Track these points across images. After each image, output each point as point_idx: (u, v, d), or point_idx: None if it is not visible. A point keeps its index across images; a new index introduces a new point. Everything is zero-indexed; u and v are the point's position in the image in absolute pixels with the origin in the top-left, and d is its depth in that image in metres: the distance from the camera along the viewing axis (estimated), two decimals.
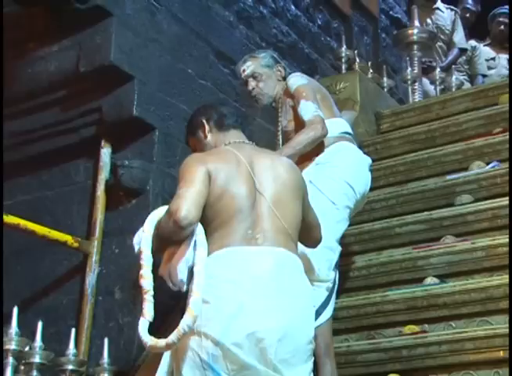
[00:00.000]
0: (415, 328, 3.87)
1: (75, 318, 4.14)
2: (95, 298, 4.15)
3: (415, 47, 6.88)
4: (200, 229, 2.72)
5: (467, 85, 7.43)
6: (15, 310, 3.46)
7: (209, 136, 3.11)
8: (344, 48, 6.26)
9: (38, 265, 4.40)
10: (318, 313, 3.51)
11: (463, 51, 7.89)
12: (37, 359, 3.45)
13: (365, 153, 5.57)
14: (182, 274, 2.65)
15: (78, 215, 4.42)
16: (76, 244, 4.13)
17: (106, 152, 4.40)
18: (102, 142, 4.41)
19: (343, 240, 4.67)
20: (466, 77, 7.89)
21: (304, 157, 3.78)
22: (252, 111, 5.06)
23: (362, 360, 3.83)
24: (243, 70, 4.07)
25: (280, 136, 4.10)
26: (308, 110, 3.79)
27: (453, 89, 6.72)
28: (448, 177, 4.85)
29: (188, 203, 2.65)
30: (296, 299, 2.68)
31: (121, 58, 4.31)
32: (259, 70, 4.05)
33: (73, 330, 3.71)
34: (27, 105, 4.62)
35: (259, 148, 3.06)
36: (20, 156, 4.63)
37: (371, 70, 6.35)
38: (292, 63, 5.87)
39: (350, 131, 4.04)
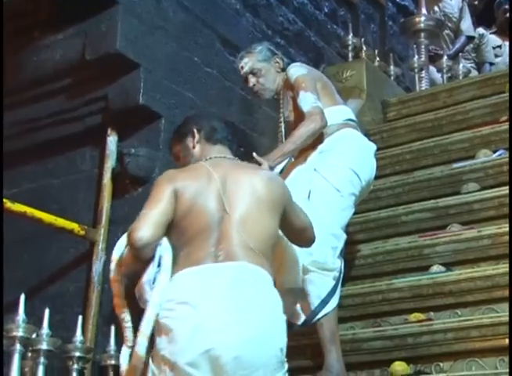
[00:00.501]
0: (420, 316, 3.87)
1: (82, 305, 4.16)
2: (102, 285, 4.16)
3: (422, 35, 6.88)
4: (166, 250, 2.75)
5: (474, 73, 7.40)
6: (22, 297, 3.49)
7: (197, 147, 3.13)
8: (350, 36, 6.26)
9: (45, 253, 4.41)
10: (325, 302, 3.53)
11: (470, 39, 7.86)
12: (44, 346, 3.48)
13: (371, 141, 5.63)
14: (147, 294, 2.70)
15: (84, 203, 4.43)
16: (82, 232, 4.14)
17: (112, 140, 4.41)
18: (109, 131, 4.41)
19: (348, 229, 4.69)
20: (473, 65, 7.87)
21: (308, 146, 3.77)
22: (258, 99, 5.06)
23: (367, 348, 3.84)
24: (242, 68, 4.07)
25: (282, 127, 4.10)
26: (306, 101, 3.77)
27: (460, 77, 6.71)
28: (455, 165, 4.85)
29: (145, 223, 2.72)
30: (255, 313, 2.61)
31: (127, 46, 4.31)
32: (257, 65, 4.03)
33: (79, 318, 3.73)
34: (32, 93, 4.62)
35: (240, 163, 3.06)
36: (26, 144, 4.64)
37: (378, 58, 6.35)
38: (298, 51, 5.86)
39: (354, 118, 4.03)
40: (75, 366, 3.66)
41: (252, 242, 2.74)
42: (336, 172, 3.72)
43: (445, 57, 7.07)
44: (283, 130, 4.10)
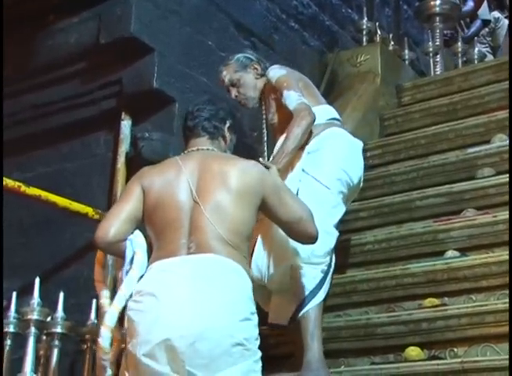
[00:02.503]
0: (435, 301, 3.86)
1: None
2: (117, 268, 4.16)
3: (437, 19, 6.84)
4: (139, 246, 2.81)
5: (490, 57, 7.36)
6: (37, 281, 3.51)
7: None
8: (365, 20, 6.22)
9: (59, 237, 4.42)
10: (312, 294, 3.49)
11: (485, 22, 7.82)
12: (58, 329, 3.51)
13: (385, 126, 5.63)
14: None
15: (99, 187, 4.44)
16: (97, 216, 4.14)
17: (126, 124, 4.41)
18: (123, 115, 4.41)
19: (363, 214, 4.70)
20: (488, 50, 7.83)
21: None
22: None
23: (381, 333, 3.83)
24: (222, 81, 4.03)
25: (265, 131, 4.04)
26: (291, 99, 3.73)
27: (475, 61, 6.67)
28: (470, 150, 4.82)
29: (107, 222, 2.85)
30: (214, 304, 2.62)
31: (141, 29, 4.31)
32: (234, 76, 3.98)
33: (94, 301, 3.74)
34: (47, 77, 4.63)
35: (215, 154, 3.04)
36: (41, 128, 4.65)
37: (392, 43, 6.31)
38: (312, 36, 5.84)
39: (337, 117, 3.99)
40: (90, 349, 3.67)
41: (224, 233, 2.75)
42: (324, 171, 3.66)
43: (460, 41, 7.02)
44: (266, 133, 4.03)
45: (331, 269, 3.63)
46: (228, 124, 3.17)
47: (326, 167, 3.69)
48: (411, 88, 5.89)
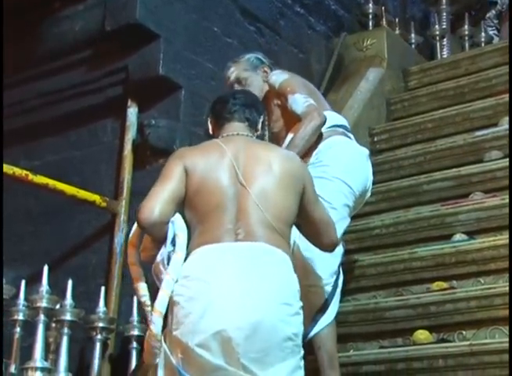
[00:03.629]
0: (443, 284, 3.86)
1: (104, 277, 4.18)
2: (124, 256, 4.18)
3: (443, 1, 6.81)
4: (180, 228, 2.68)
5: (497, 40, 7.31)
6: (45, 269, 3.52)
7: (215, 132, 3.04)
8: (371, 4, 6.19)
9: (67, 225, 4.43)
10: (315, 319, 3.37)
11: (492, 4, 7.75)
12: (68, 317, 3.52)
13: (392, 110, 5.61)
14: (162, 274, 2.65)
15: (106, 174, 4.44)
16: (104, 204, 4.15)
17: (132, 111, 4.39)
18: (129, 102, 4.40)
19: (371, 198, 4.69)
20: (495, 32, 7.76)
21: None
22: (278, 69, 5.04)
23: (389, 317, 3.84)
24: (228, 78, 3.88)
25: (267, 140, 3.92)
26: (297, 103, 3.60)
27: (482, 44, 6.64)
28: (477, 133, 4.82)
29: (152, 202, 2.67)
30: (269, 295, 2.54)
31: (147, 16, 4.29)
32: (243, 74, 3.84)
33: (102, 289, 3.76)
34: (52, 65, 4.62)
35: (255, 140, 2.95)
36: (48, 116, 4.64)
37: (398, 27, 6.28)
38: (318, 20, 5.80)
39: (341, 123, 3.80)
40: (98, 336, 3.70)
41: (271, 218, 2.67)
42: (325, 184, 3.44)
43: (467, 24, 6.98)
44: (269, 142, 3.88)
45: (338, 289, 3.49)
46: (262, 118, 3.08)
47: (326, 180, 3.51)
48: (418, 72, 5.87)
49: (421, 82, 5.79)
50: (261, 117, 3.07)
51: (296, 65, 5.17)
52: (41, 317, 3.45)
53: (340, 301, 4.04)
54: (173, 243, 2.67)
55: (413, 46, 6.41)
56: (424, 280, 3.99)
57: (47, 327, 3.50)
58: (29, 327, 3.48)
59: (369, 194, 3.76)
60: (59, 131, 4.65)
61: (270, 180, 2.73)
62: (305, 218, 2.86)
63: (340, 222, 3.44)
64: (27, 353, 3.42)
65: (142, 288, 2.76)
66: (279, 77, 3.78)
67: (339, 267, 3.51)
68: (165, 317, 2.62)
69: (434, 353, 3.48)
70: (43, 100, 4.65)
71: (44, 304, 3.45)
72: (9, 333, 3.46)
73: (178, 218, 2.72)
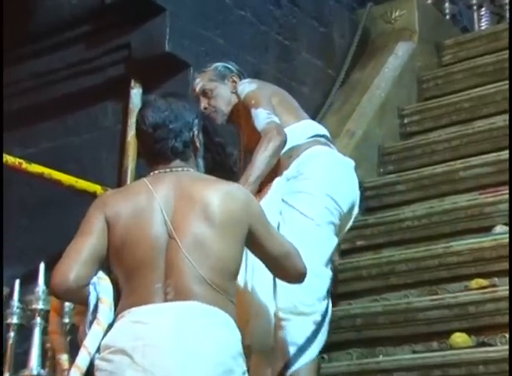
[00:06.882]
0: (483, 282, 3.86)
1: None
2: None
3: None
4: (104, 290, 2.62)
5: None
6: (42, 267, 3.52)
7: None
8: None
9: (65, 218, 4.42)
10: (301, 351, 3.32)
11: None
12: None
13: (424, 89, 5.59)
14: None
15: (107, 162, 4.45)
16: None
17: (136, 92, 4.41)
18: (132, 82, 4.41)
19: (401, 187, 4.69)
20: None
21: (273, 173, 3.53)
22: (297, 45, 5.02)
23: (423, 318, 3.84)
24: (193, 90, 3.91)
25: (242, 159, 3.88)
26: (259, 119, 3.55)
27: None
28: None
29: (65, 265, 2.58)
30: (202, 365, 2.45)
31: None
32: (208, 85, 3.86)
33: None
34: (47, 42, 4.63)
35: (192, 175, 2.79)
36: (43, 99, 4.66)
37: None
38: None
39: (322, 132, 3.76)
40: None
41: (206, 273, 2.56)
42: (307, 200, 3.45)
43: None
44: (242, 161, 3.85)
45: (327, 318, 3.42)
46: (195, 130, 2.85)
47: (308, 195, 3.47)
48: (453, 46, 5.86)
49: (457, 57, 5.77)
50: (194, 128, 2.83)
51: (316, 40, 5.16)
52: (38, 320, 3.44)
53: (368, 301, 4.07)
54: (95, 309, 2.61)
55: (447, 17, 6.39)
56: (462, 277, 3.99)
57: (44, 331, 3.50)
58: (25, 331, 3.48)
59: (356, 210, 3.69)
60: (56, 115, 4.67)
61: (205, 227, 2.61)
62: (260, 256, 2.81)
63: (327, 242, 3.46)
64: (22, 360, 3.43)
65: (65, 360, 2.72)
66: (245, 87, 3.76)
67: (328, 293, 3.45)
68: None
69: (473, 358, 3.48)
70: (37, 82, 4.67)
71: (40, 305, 3.44)
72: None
73: (101, 278, 2.64)
